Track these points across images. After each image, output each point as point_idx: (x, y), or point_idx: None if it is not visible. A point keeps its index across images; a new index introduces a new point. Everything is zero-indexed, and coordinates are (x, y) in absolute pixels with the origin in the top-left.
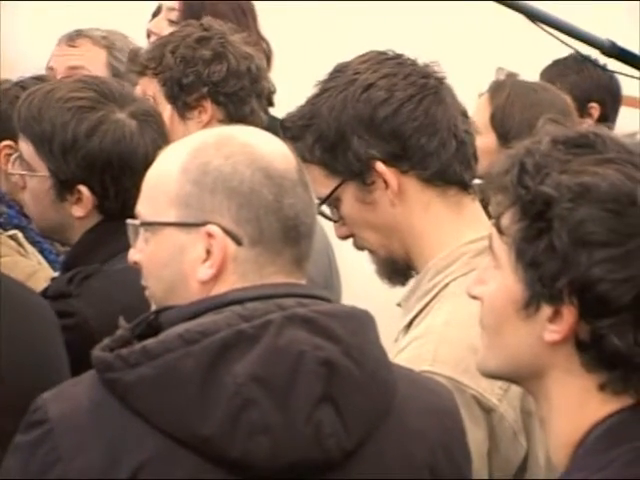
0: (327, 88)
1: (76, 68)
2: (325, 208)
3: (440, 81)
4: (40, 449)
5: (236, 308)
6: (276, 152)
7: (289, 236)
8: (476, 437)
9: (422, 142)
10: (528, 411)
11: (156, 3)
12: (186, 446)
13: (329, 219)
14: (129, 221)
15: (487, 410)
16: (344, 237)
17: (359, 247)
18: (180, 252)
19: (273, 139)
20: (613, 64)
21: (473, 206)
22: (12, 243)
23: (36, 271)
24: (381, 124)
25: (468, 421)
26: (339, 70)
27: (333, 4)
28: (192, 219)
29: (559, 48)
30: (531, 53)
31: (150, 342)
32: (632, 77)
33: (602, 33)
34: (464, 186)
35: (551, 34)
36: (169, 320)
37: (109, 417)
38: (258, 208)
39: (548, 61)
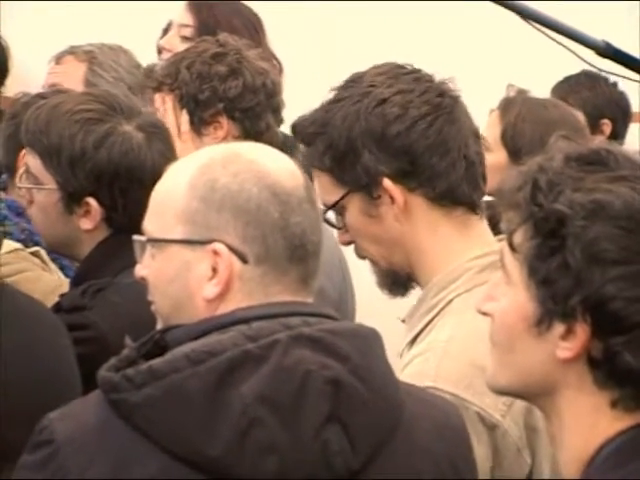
0: (341, 97)
1: (55, 85)
2: (330, 215)
3: (455, 99)
4: (46, 469)
5: (242, 327)
6: (283, 169)
7: (295, 255)
8: (478, 454)
9: (432, 161)
10: (533, 427)
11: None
12: (193, 466)
13: (333, 226)
14: (135, 237)
15: (490, 427)
16: (346, 243)
17: (360, 256)
18: (186, 269)
19: (280, 156)
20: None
21: (480, 226)
22: (36, 259)
23: (61, 284)
24: (392, 140)
25: (471, 438)
26: (354, 80)
27: (335, 8)
28: (198, 236)
29: (568, 64)
30: (538, 68)
31: (156, 362)
32: (628, 79)
33: (602, 34)
34: (471, 206)
35: (545, 34)
36: (175, 339)
37: (115, 437)
38: (264, 226)
39: (553, 76)
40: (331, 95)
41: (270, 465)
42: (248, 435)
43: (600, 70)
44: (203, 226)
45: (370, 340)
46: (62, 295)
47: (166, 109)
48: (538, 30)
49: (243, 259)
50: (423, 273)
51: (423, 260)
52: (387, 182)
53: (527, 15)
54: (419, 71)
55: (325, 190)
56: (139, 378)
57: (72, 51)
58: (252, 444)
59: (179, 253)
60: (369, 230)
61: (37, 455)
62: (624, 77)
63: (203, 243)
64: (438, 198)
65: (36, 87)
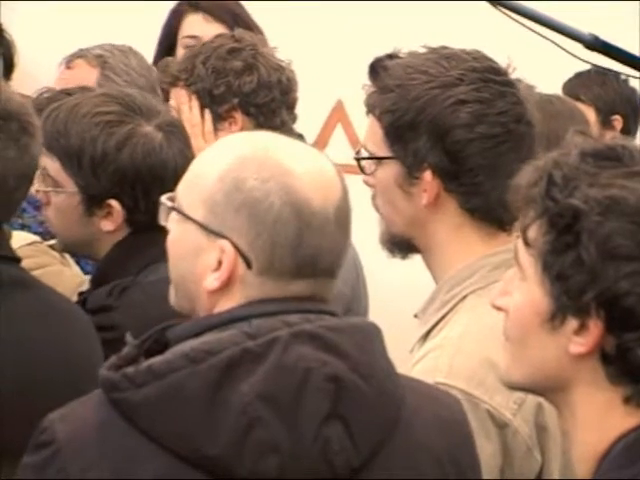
0: (428, 70)
1: None
2: (363, 157)
3: (531, 126)
4: (48, 470)
5: (242, 325)
6: (316, 185)
7: (302, 272)
8: (488, 452)
9: (477, 180)
10: (543, 426)
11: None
12: (193, 466)
13: (363, 172)
14: (164, 200)
15: (501, 425)
16: (368, 185)
17: (374, 207)
18: (196, 252)
19: (321, 164)
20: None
21: (506, 240)
22: (54, 253)
23: (83, 281)
24: (451, 143)
25: (480, 435)
26: (451, 57)
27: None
28: (214, 227)
29: (571, 63)
30: (545, 65)
31: (156, 361)
32: (617, 72)
33: (603, 33)
34: (500, 225)
35: (528, 27)
36: (176, 336)
37: (116, 437)
38: (275, 241)
39: (561, 72)
40: (422, 52)
41: (271, 464)
42: (248, 434)
43: (592, 65)
44: (220, 220)
45: (370, 335)
46: (80, 293)
47: (191, 106)
48: (522, 25)
49: (248, 263)
50: (438, 266)
51: (440, 253)
52: (428, 174)
53: (508, 7)
54: (512, 83)
55: (371, 137)
56: (139, 377)
57: (82, 55)
58: (252, 443)
59: (195, 234)
60: (395, 199)
61: (39, 456)
62: (610, 70)
63: (216, 235)
64: (470, 209)
65: (47, 84)
